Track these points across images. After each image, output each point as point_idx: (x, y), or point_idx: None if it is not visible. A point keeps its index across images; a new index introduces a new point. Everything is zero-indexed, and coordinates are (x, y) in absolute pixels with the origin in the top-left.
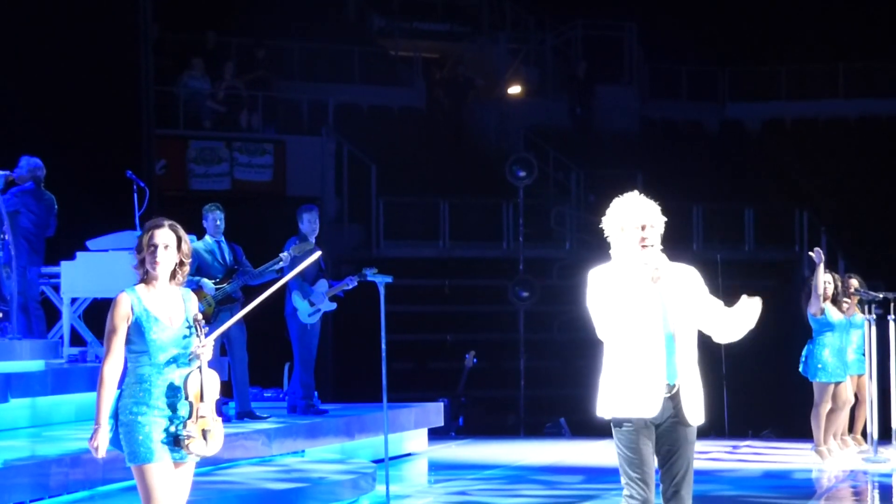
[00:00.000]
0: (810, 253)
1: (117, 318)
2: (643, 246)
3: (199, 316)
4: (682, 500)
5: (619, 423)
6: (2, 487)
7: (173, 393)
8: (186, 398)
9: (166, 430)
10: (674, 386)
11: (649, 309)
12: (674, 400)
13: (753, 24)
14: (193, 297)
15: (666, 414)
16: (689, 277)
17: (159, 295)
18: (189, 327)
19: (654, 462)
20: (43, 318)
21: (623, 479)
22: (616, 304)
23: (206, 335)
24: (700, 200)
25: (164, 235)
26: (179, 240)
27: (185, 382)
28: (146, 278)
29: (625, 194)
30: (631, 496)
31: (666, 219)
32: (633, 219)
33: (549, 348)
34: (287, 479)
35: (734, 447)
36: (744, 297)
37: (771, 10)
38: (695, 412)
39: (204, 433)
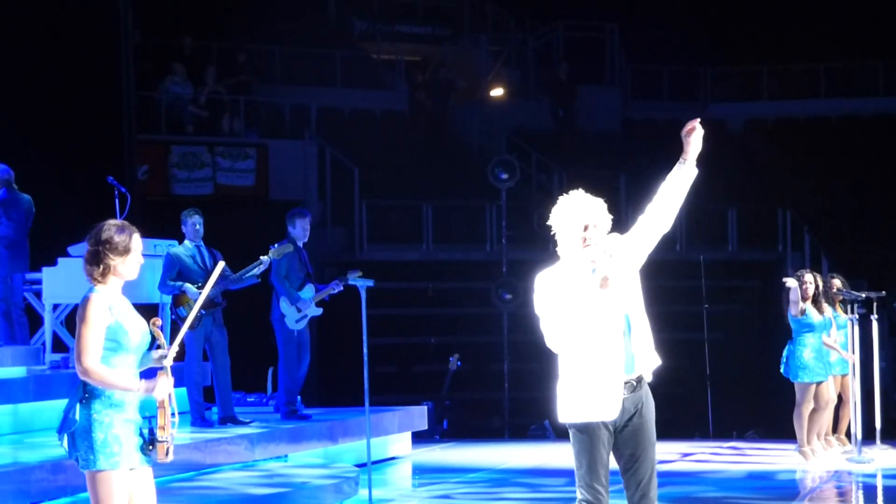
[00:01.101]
0: (786, 283)
1: (95, 317)
2: (585, 245)
3: (157, 321)
4: (650, 502)
5: (577, 427)
6: None
7: (142, 399)
8: (161, 405)
9: (140, 435)
10: (635, 378)
11: (601, 309)
12: (635, 394)
13: (735, 24)
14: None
15: (626, 415)
16: (619, 245)
17: (121, 298)
18: (151, 333)
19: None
20: (26, 325)
21: (577, 483)
22: (564, 312)
23: (168, 341)
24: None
25: (140, 241)
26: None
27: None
28: (105, 281)
29: (570, 192)
30: (585, 500)
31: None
32: (576, 218)
33: (533, 350)
34: (270, 484)
35: (718, 448)
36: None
37: (752, 10)
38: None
39: (171, 437)
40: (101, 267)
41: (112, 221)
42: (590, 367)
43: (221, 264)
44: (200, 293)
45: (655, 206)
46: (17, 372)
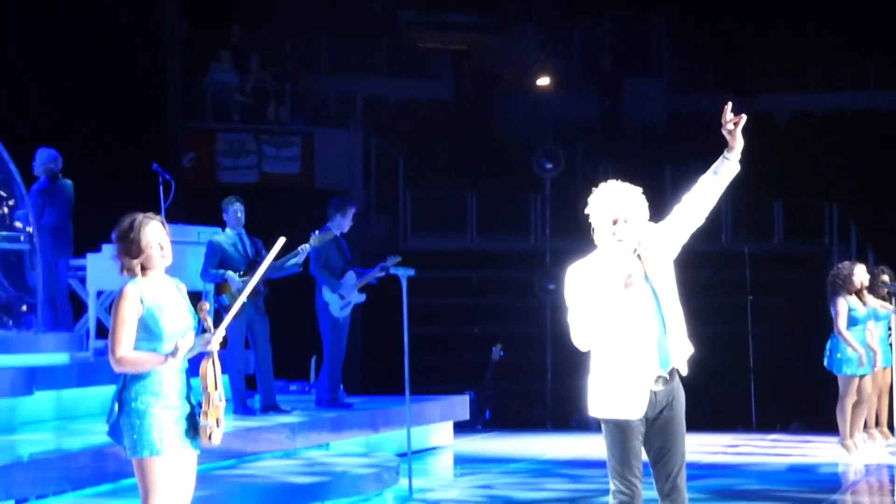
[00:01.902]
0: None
1: (128, 311)
2: (617, 240)
3: (205, 305)
4: (680, 492)
5: (607, 421)
6: (26, 480)
7: (186, 383)
8: (204, 389)
9: (186, 419)
10: (669, 373)
11: (630, 306)
12: (667, 388)
13: (782, 16)
14: (183, 286)
15: (658, 408)
16: (655, 235)
17: (159, 285)
18: (195, 317)
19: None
20: (70, 312)
21: (610, 475)
22: (591, 308)
23: (215, 325)
24: (728, 192)
25: (162, 229)
26: (163, 224)
27: (201, 372)
28: (136, 274)
29: (608, 182)
30: (619, 491)
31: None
32: (606, 211)
33: None
34: (311, 473)
35: (760, 441)
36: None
37: (799, 2)
38: (684, 368)
39: (217, 422)
40: (122, 265)
41: (125, 220)
42: (619, 364)
43: (270, 256)
44: (243, 281)
45: (693, 198)
46: (60, 358)
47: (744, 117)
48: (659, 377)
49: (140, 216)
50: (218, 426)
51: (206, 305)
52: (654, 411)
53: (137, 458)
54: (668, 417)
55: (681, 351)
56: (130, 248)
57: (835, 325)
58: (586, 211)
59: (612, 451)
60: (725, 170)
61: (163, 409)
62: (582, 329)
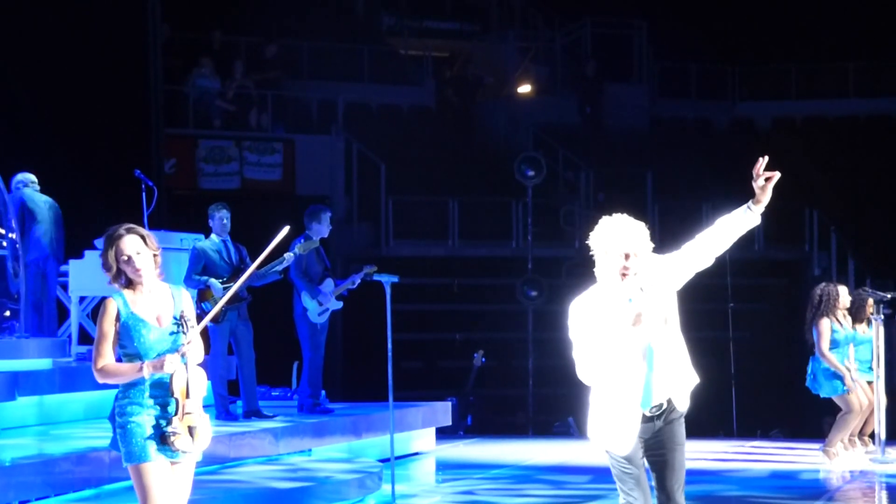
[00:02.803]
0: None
1: (106, 324)
2: (623, 275)
3: (187, 313)
4: (677, 503)
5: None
6: (9, 485)
7: (162, 391)
8: (172, 395)
9: (154, 427)
10: (656, 408)
11: (629, 348)
12: (660, 416)
13: (763, 22)
14: (185, 294)
15: (655, 428)
16: (660, 270)
17: (146, 296)
18: (176, 324)
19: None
20: (55, 318)
21: (618, 487)
22: (597, 344)
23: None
24: (709, 198)
25: (132, 243)
26: (144, 238)
27: (171, 379)
28: (130, 285)
29: (613, 216)
30: (629, 502)
31: (668, 220)
32: (618, 245)
33: (557, 347)
34: (293, 479)
35: (742, 447)
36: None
37: (781, 9)
38: (681, 403)
39: (190, 430)
40: (111, 274)
41: (106, 236)
42: (611, 400)
43: (252, 268)
44: (225, 288)
45: (707, 239)
46: (43, 364)
47: (777, 174)
48: (647, 414)
49: (118, 229)
50: (191, 435)
51: (188, 314)
52: (649, 433)
53: (131, 465)
54: (668, 432)
55: (671, 385)
56: (106, 261)
57: (817, 347)
58: (590, 242)
59: (616, 471)
60: (746, 220)
61: (145, 418)
62: (588, 365)
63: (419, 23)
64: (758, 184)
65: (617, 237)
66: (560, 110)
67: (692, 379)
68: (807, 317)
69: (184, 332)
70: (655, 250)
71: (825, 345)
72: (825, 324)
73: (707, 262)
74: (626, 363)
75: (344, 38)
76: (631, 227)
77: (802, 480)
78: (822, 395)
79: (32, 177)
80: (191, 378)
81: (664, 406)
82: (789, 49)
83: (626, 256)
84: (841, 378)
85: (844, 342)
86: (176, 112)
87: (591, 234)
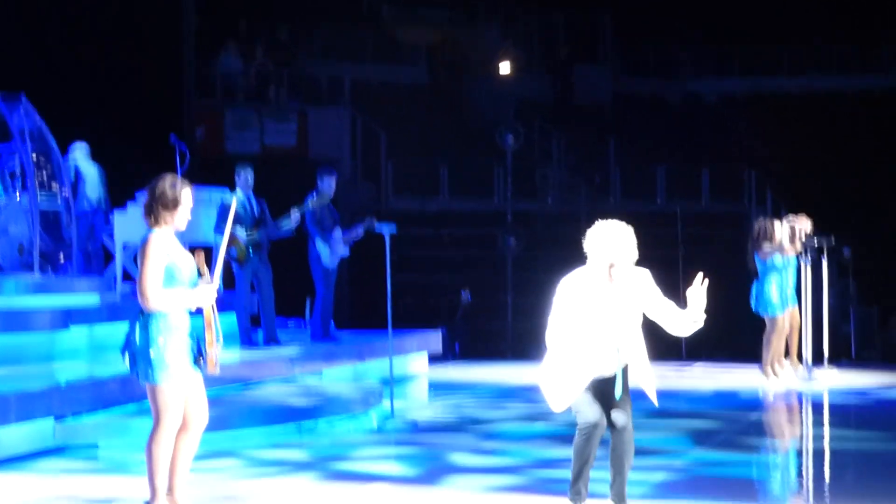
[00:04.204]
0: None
1: (155, 255)
2: (609, 279)
3: (201, 254)
4: (626, 429)
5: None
6: (64, 401)
7: (192, 322)
8: (208, 325)
9: (192, 351)
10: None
11: (599, 322)
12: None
13: (710, 9)
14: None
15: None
16: (641, 282)
17: (174, 241)
18: (197, 269)
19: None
20: (102, 262)
21: (573, 408)
22: (568, 322)
23: (212, 275)
24: (663, 162)
25: (190, 196)
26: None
27: (205, 313)
28: (160, 227)
29: (609, 222)
30: (584, 417)
31: (627, 184)
32: (606, 254)
33: (532, 286)
34: (307, 396)
35: (689, 369)
36: (690, 292)
37: None
38: (648, 389)
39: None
40: (154, 217)
41: (168, 177)
42: (571, 365)
43: (232, 208)
44: (248, 235)
45: (662, 314)
46: (92, 299)
47: (703, 293)
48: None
49: (178, 179)
50: (217, 356)
51: (202, 253)
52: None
53: (152, 383)
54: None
55: (637, 377)
56: (168, 203)
57: (773, 248)
58: (585, 240)
59: (575, 405)
60: (686, 320)
61: (176, 342)
62: (557, 335)
63: (415, 11)
64: (690, 296)
65: (605, 247)
66: (536, 87)
67: (652, 380)
68: (748, 248)
69: (201, 275)
70: (619, 206)
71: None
72: (767, 246)
73: (659, 321)
74: (593, 339)
75: (350, 25)
76: (619, 238)
77: (742, 397)
78: (762, 314)
79: (85, 145)
80: (214, 313)
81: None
82: (733, 33)
83: (611, 266)
84: (774, 303)
85: (783, 266)
86: (206, 87)
87: (588, 232)
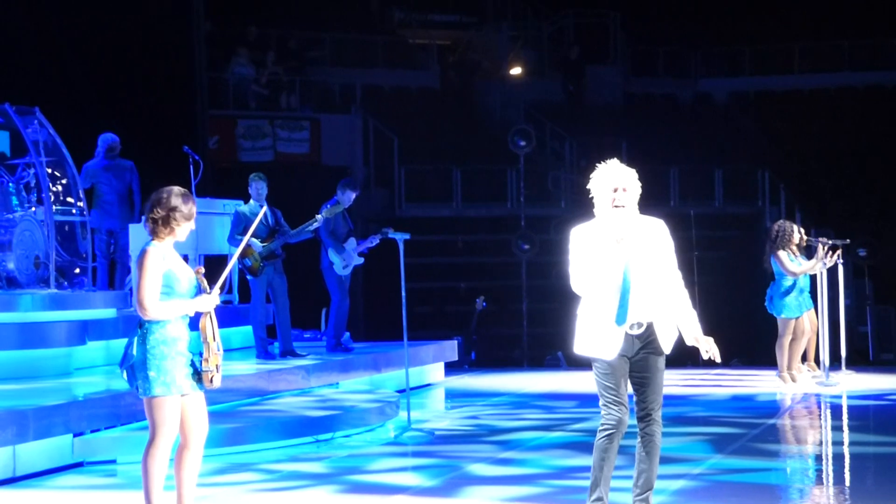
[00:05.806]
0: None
1: (153, 266)
2: (615, 206)
3: (201, 269)
4: (654, 420)
5: (592, 359)
6: (82, 416)
7: (192, 336)
8: (204, 339)
9: (192, 366)
10: (636, 325)
11: (612, 265)
12: (641, 337)
13: (721, 10)
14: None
15: (636, 348)
16: (656, 232)
17: (173, 252)
18: (196, 280)
19: (628, 388)
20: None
21: (601, 402)
22: (587, 261)
23: (211, 287)
24: (675, 163)
25: (195, 209)
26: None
27: (201, 326)
28: (165, 237)
29: (607, 161)
30: (608, 414)
31: (641, 183)
32: (608, 182)
33: (547, 292)
34: (323, 407)
35: (706, 374)
36: (710, 340)
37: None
38: (665, 343)
39: (217, 367)
40: (155, 228)
41: (176, 190)
42: (597, 311)
43: (258, 217)
44: (263, 246)
45: (672, 295)
46: (108, 313)
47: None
48: (632, 326)
49: (182, 190)
50: (217, 371)
51: (202, 269)
52: (634, 349)
53: (150, 396)
54: (647, 354)
55: (647, 309)
56: (183, 214)
57: (784, 269)
58: (588, 185)
59: (600, 383)
60: (682, 322)
61: (173, 356)
62: (580, 276)
63: (425, 16)
64: (695, 342)
65: (609, 175)
66: (547, 89)
67: (672, 329)
68: (766, 249)
69: (202, 288)
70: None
71: (792, 267)
72: (783, 255)
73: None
74: (609, 279)
75: (361, 31)
76: (621, 168)
77: (760, 402)
78: (776, 315)
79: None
80: (214, 325)
81: (643, 326)
82: (742, 32)
83: (615, 190)
84: (789, 305)
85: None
86: (218, 96)
87: (591, 177)
